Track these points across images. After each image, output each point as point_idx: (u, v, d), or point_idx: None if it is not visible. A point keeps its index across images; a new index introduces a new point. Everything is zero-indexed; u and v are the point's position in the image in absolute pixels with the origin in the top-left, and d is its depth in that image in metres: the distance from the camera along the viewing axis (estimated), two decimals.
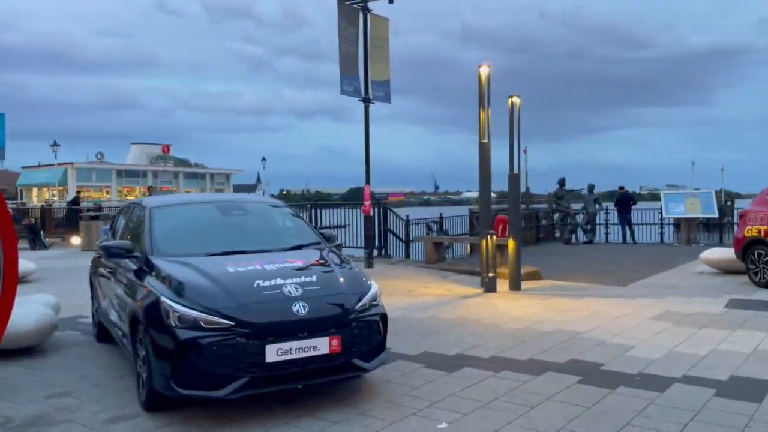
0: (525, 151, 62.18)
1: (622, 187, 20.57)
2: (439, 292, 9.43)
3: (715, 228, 20.31)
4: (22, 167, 56.61)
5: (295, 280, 4.52)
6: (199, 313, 4.11)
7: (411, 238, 13.56)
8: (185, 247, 5.02)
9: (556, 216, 20.38)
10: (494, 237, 9.47)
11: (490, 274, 9.35)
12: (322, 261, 5.04)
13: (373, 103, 11.78)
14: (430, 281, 10.50)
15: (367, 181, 11.69)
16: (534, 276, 10.86)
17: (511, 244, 9.66)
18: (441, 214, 14.89)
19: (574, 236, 19.53)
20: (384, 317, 4.74)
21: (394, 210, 13.81)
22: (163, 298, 4.25)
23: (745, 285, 9.42)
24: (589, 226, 19.90)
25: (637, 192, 57.61)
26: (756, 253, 9.33)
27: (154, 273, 4.66)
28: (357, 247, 12.62)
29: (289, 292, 4.38)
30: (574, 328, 6.71)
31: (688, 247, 17.20)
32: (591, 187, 20.33)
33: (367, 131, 11.68)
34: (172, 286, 4.39)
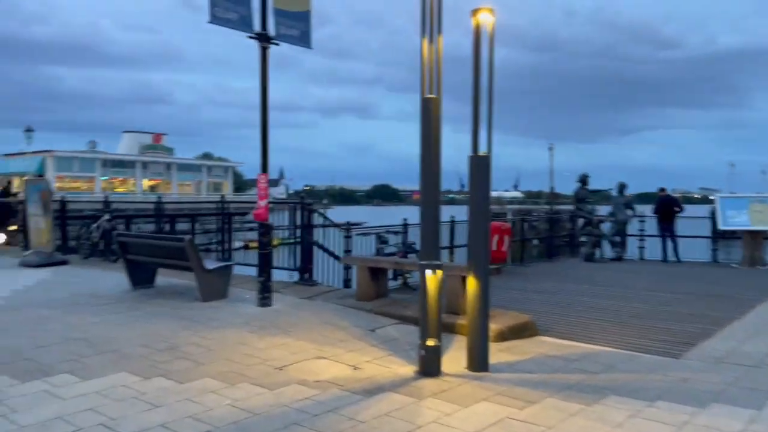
0: (551, 149, 58.13)
1: (662, 189, 15.93)
2: (335, 373, 5.10)
3: None
4: (4, 155, 52.99)
5: None
6: None
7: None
8: None
9: (579, 222, 15.84)
10: (439, 271, 5.11)
11: (431, 343, 5.02)
12: None
13: (277, 44, 7.41)
14: (341, 340, 6.18)
15: (264, 169, 7.37)
16: (523, 331, 6.50)
17: (471, 283, 5.29)
18: (405, 219, 10.42)
19: (598, 251, 14.99)
20: None
21: (325, 213, 9.46)
22: None
23: None
24: (618, 238, 15.28)
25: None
26: None
27: None
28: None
29: None
30: None
31: (754, 270, 12.74)
32: (622, 187, 15.67)
33: (264, 87, 7.29)
34: None
